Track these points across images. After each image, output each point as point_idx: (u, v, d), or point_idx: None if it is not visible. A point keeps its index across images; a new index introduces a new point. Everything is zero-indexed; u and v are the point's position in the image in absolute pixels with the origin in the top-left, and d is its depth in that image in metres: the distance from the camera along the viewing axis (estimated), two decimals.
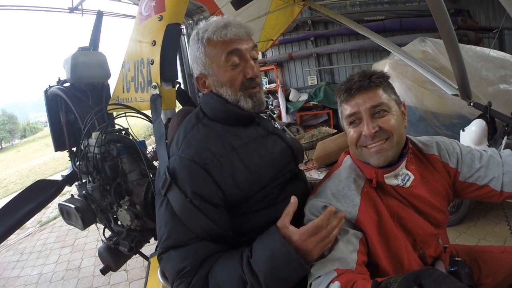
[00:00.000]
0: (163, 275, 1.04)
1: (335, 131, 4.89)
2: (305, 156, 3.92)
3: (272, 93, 7.48)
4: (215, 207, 0.89)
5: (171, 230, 0.88)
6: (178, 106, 1.40)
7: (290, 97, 7.14)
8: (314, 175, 3.44)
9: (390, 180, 0.95)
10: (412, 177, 0.96)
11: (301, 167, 3.89)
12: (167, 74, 1.29)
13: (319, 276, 0.82)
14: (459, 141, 1.11)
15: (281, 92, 7.14)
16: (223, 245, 0.90)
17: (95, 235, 3.80)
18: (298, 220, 1.00)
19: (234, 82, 0.99)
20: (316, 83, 7.11)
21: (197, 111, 1.08)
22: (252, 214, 0.96)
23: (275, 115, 6.21)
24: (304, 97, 7.02)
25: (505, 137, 1.75)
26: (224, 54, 0.96)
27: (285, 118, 7.00)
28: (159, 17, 1.27)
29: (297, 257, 0.78)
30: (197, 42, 1.00)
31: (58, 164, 11.23)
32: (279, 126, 4.96)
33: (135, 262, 3.07)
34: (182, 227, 0.87)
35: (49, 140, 1.96)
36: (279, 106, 7.16)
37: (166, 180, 0.89)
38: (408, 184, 0.95)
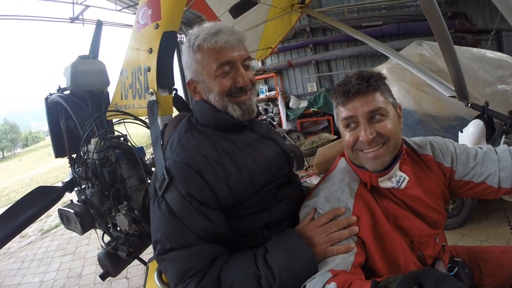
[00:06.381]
0: (160, 279, 1.03)
1: (335, 137, 4.89)
2: (305, 162, 3.93)
3: (272, 100, 7.52)
4: (212, 209, 0.89)
5: (170, 231, 0.87)
6: (175, 112, 1.41)
7: (290, 104, 7.16)
8: (315, 181, 3.44)
9: (385, 183, 0.95)
10: (407, 178, 0.95)
11: (302, 173, 3.89)
12: (164, 81, 1.31)
13: (314, 278, 0.82)
14: (457, 142, 1.10)
15: (281, 99, 7.17)
16: (225, 248, 0.90)
17: (96, 243, 3.78)
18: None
19: (222, 89, 0.98)
20: (315, 89, 7.16)
21: (190, 117, 1.08)
22: (246, 217, 0.96)
23: (275, 122, 6.24)
24: (304, 104, 7.05)
25: (503, 136, 1.75)
26: (215, 64, 0.96)
27: (285, 125, 7.02)
28: (155, 25, 1.30)
29: (310, 253, 0.84)
30: (188, 49, 0.99)
31: (60, 173, 11.26)
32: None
33: (136, 270, 3.06)
34: (181, 228, 0.86)
35: (51, 149, 1.98)
36: (279, 114, 7.19)
37: (164, 180, 0.89)
38: (403, 186, 0.95)
